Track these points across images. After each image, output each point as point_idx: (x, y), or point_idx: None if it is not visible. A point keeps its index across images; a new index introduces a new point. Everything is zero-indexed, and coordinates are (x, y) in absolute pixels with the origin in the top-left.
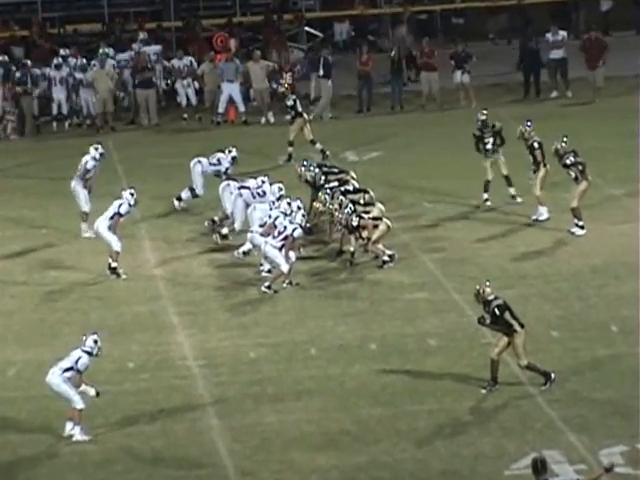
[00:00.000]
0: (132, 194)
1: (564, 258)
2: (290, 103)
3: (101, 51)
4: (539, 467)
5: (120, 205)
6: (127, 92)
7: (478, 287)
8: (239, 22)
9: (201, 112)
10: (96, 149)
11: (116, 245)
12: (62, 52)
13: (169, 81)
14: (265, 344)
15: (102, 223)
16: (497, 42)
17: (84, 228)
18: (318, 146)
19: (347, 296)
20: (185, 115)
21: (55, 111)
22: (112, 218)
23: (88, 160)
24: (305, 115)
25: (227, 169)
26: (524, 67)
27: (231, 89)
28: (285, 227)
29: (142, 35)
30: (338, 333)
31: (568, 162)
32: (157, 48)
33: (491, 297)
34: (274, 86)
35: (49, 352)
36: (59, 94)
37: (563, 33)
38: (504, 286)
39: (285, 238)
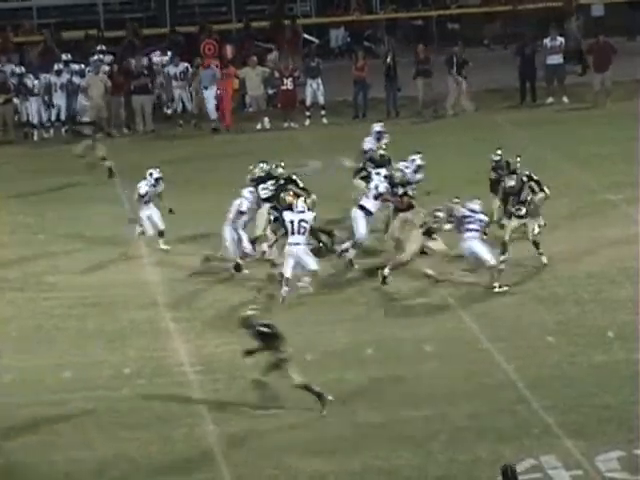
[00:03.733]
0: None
1: (560, 263)
2: None
3: (95, 57)
4: (509, 475)
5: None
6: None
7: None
8: (245, 27)
9: (196, 118)
10: (151, 175)
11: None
12: (64, 57)
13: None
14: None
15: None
16: (492, 48)
17: (161, 241)
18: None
19: (343, 301)
20: (181, 122)
21: (54, 117)
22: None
23: (142, 185)
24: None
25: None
26: (520, 73)
27: (207, 95)
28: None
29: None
30: (334, 338)
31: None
32: (160, 55)
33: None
34: (269, 92)
35: (45, 359)
36: (59, 100)
37: (561, 39)
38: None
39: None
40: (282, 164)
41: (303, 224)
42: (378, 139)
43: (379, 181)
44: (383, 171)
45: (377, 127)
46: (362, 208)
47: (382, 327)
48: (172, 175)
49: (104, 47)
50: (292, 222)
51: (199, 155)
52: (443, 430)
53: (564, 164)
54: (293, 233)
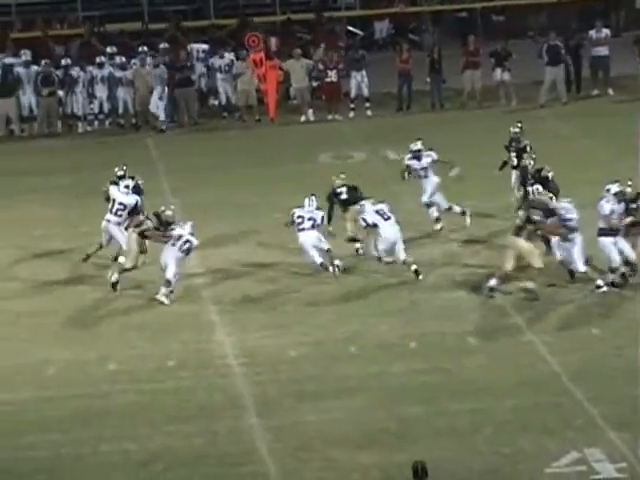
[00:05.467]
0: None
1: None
2: None
3: (141, 49)
4: (419, 473)
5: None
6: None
7: None
8: (287, 20)
9: (241, 111)
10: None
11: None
12: (109, 50)
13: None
14: (305, 342)
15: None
16: (537, 39)
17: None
18: None
19: (388, 295)
20: (225, 114)
21: (97, 109)
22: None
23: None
24: None
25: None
26: (565, 64)
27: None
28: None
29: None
30: (379, 331)
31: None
32: (203, 46)
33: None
34: (314, 84)
35: (89, 351)
36: (101, 92)
37: (606, 30)
38: (546, 282)
39: None
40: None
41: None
42: (418, 158)
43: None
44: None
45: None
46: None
47: (426, 320)
48: (216, 167)
49: (148, 40)
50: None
51: (243, 147)
52: (487, 423)
53: (612, 157)
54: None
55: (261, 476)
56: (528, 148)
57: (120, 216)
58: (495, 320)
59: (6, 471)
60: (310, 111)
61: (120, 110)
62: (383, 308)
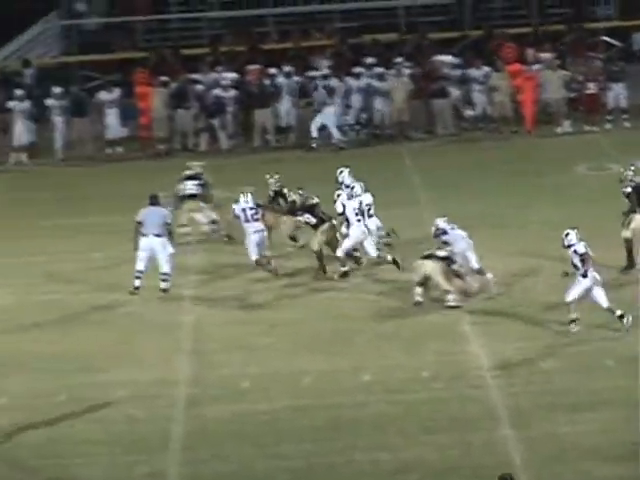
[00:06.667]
0: None
1: None
2: None
3: (397, 60)
4: None
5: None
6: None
7: None
8: (535, 31)
9: (497, 122)
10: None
11: None
12: (369, 60)
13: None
14: (557, 354)
15: None
16: None
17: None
18: None
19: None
20: (481, 125)
21: (353, 120)
22: None
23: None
24: None
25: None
26: None
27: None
28: None
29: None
30: (631, 344)
31: None
32: (449, 58)
33: None
34: (571, 95)
35: (343, 361)
36: (355, 103)
37: None
38: None
39: None
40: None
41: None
42: None
43: None
44: None
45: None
46: None
47: None
48: (471, 178)
49: (404, 51)
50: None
51: (500, 158)
52: None
53: None
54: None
55: None
56: None
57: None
58: None
59: None
60: (567, 122)
61: (376, 121)
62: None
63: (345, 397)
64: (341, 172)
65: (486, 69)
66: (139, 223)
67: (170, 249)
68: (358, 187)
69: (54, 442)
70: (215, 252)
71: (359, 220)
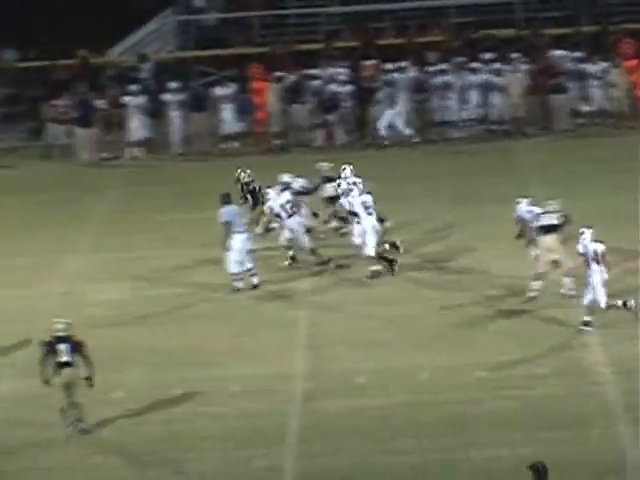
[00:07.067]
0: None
1: None
2: None
3: (514, 55)
4: (540, 471)
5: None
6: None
7: None
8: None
9: (615, 117)
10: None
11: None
12: (488, 56)
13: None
14: None
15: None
16: None
17: None
18: None
19: None
20: (598, 120)
21: (469, 115)
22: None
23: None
24: None
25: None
26: None
27: None
28: None
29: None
30: None
31: None
32: (563, 52)
33: None
34: None
35: (461, 357)
36: (473, 98)
37: None
38: None
39: None
40: None
41: None
42: None
43: None
44: None
45: None
46: None
47: None
48: (590, 174)
49: (521, 46)
50: None
51: (617, 154)
52: None
53: None
54: None
55: None
56: None
57: None
58: None
59: (377, 476)
60: None
61: (492, 117)
62: None
63: (462, 393)
64: (344, 169)
65: (604, 64)
66: (227, 223)
67: (251, 245)
68: (344, 183)
69: (169, 436)
70: (331, 247)
71: (370, 214)
